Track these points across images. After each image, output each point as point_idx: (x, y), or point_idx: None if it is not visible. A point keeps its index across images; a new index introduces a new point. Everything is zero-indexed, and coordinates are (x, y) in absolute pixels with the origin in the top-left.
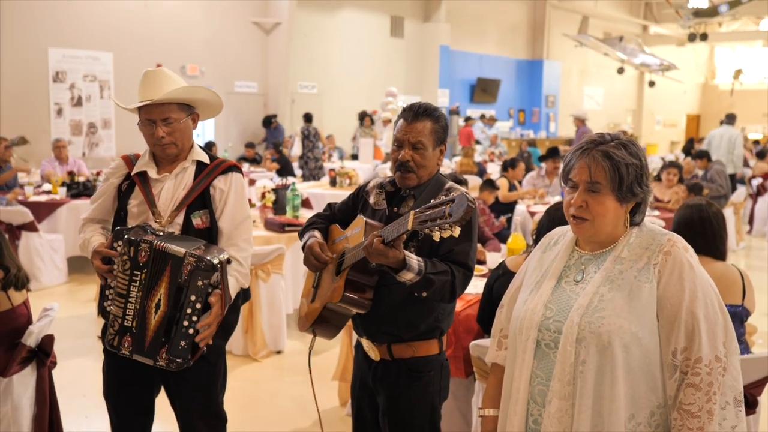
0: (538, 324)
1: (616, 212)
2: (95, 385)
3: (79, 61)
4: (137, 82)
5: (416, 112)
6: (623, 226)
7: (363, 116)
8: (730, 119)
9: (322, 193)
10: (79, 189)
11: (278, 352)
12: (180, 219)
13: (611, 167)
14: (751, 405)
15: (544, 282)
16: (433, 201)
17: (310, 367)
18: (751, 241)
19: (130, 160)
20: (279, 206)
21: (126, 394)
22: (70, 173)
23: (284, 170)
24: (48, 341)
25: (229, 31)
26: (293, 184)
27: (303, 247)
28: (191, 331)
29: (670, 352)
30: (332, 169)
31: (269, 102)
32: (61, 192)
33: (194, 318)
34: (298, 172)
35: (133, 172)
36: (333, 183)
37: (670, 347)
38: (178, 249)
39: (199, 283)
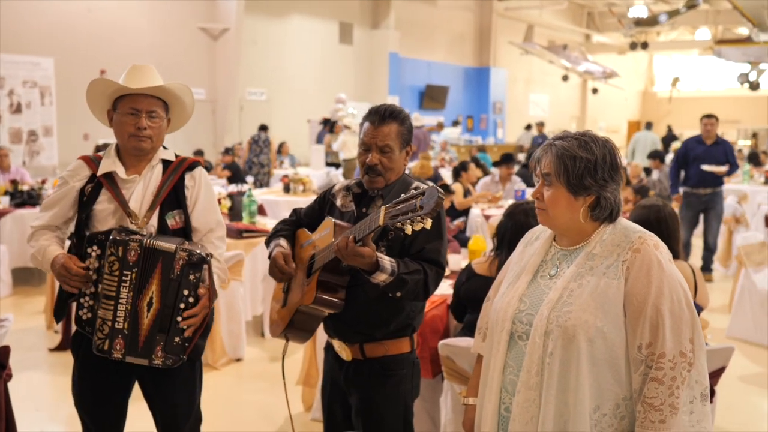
0: (512, 316)
1: (570, 204)
2: (48, 398)
3: (19, 67)
4: (80, 87)
5: (383, 115)
6: (585, 220)
7: (329, 123)
8: (649, 126)
9: (276, 200)
10: (23, 198)
11: (238, 360)
12: (154, 220)
13: (557, 159)
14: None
15: (521, 276)
16: (403, 195)
17: (283, 373)
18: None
19: (92, 162)
20: (235, 212)
21: (103, 402)
22: (13, 182)
23: (235, 177)
24: (4, 353)
25: (176, 37)
26: (249, 190)
27: (270, 257)
28: (187, 331)
29: (636, 346)
30: (286, 176)
31: (218, 109)
32: (4, 201)
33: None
34: (250, 179)
35: (99, 173)
36: (287, 189)
37: (635, 342)
38: (169, 245)
39: (191, 277)
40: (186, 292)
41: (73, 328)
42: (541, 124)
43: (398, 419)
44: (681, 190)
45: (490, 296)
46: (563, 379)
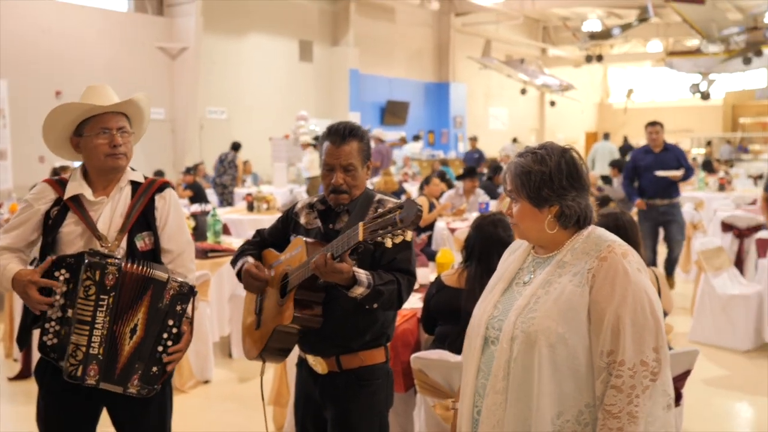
0: (486, 322)
1: (535, 216)
2: (7, 429)
3: None
4: (35, 109)
5: (343, 135)
6: (553, 230)
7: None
8: (606, 136)
9: (240, 219)
10: None
11: (206, 382)
12: (124, 243)
13: (513, 176)
14: (676, 399)
15: (498, 283)
16: (380, 211)
17: (262, 394)
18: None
19: (58, 184)
20: (199, 232)
21: (71, 430)
22: None
23: (198, 197)
24: None
25: (134, 57)
26: (213, 209)
27: (238, 275)
28: (164, 357)
29: (598, 353)
30: (249, 194)
31: (177, 128)
32: None
33: (169, 343)
34: (214, 198)
35: (65, 196)
36: (250, 208)
37: (598, 349)
38: (162, 273)
39: (178, 308)
40: (171, 323)
41: (36, 354)
42: (474, 139)
43: (374, 428)
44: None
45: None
46: (525, 384)
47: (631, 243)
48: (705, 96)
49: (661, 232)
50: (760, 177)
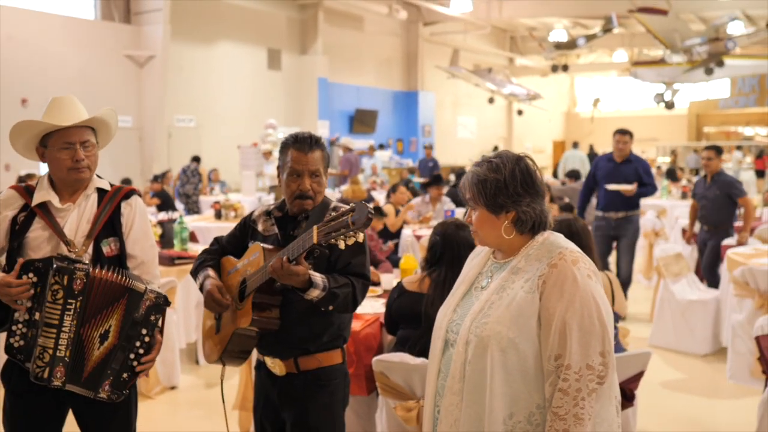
0: (446, 325)
1: (492, 222)
2: None
3: None
4: (1, 117)
5: (310, 143)
6: (510, 235)
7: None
8: (575, 145)
9: (207, 227)
10: None
11: (172, 388)
12: (90, 248)
13: (471, 184)
14: (629, 399)
15: (459, 287)
16: (333, 214)
17: (223, 398)
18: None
19: (25, 191)
20: (167, 240)
21: (37, 430)
22: None
23: (165, 205)
24: None
25: (101, 65)
26: (180, 217)
27: (200, 288)
28: (135, 363)
29: (547, 357)
30: (217, 202)
31: (145, 136)
32: None
33: (140, 351)
34: (180, 206)
35: (33, 203)
36: (218, 216)
37: (546, 353)
38: (140, 285)
39: (152, 317)
40: (144, 332)
41: (3, 357)
42: (429, 147)
43: (332, 428)
44: (596, 213)
45: None
46: (479, 386)
47: (584, 247)
48: (669, 105)
49: (615, 246)
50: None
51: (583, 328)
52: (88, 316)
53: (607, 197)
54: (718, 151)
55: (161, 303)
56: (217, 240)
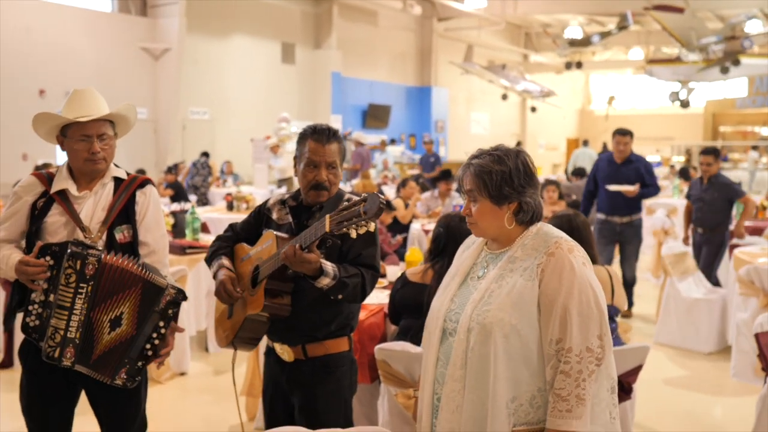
0: (444, 315)
1: (495, 213)
2: None
3: None
4: (19, 108)
5: (328, 135)
6: (511, 225)
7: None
8: (586, 143)
9: (219, 218)
10: None
11: (182, 374)
12: (104, 234)
13: (476, 176)
14: (627, 392)
15: (454, 278)
16: (345, 204)
17: (234, 381)
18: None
19: (45, 178)
20: (179, 229)
21: (49, 408)
22: None
23: (178, 196)
24: None
25: (117, 57)
26: (192, 207)
27: (214, 277)
28: (150, 354)
29: (548, 341)
30: (229, 194)
31: (160, 128)
32: None
33: (156, 342)
34: (193, 197)
35: (52, 191)
36: (230, 207)
37: (547, 337)
38: (161, 280)
39: (170, 311)
40: (162, 324)
41: (17, 344)
42: (430, 142)
43: (339, 414)
44: (598, 216)
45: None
46: (482, 372)
47: (585, 242)
48: (684, 104)
49: (618, 251)
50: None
51: (582, 313)
52: (99, 300)
53: (610, 199)
54: (716, 155)
55: (179, 300)
56: (231, 227)
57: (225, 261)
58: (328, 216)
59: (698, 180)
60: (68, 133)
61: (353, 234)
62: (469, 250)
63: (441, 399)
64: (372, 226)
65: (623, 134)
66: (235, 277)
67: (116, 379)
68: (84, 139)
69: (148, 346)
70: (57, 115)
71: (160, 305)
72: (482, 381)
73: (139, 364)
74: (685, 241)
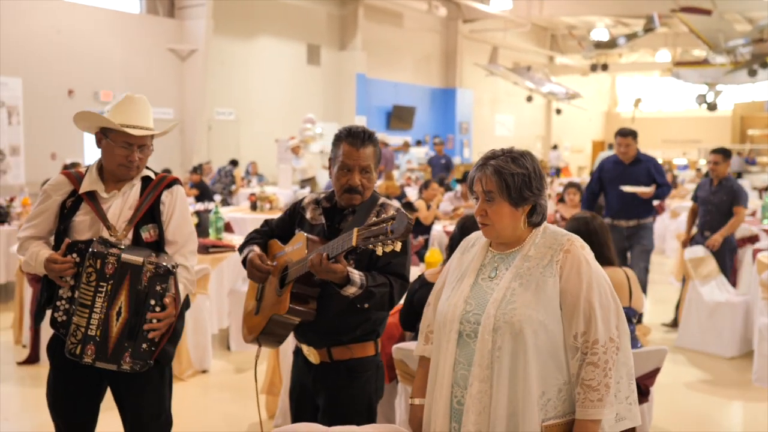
0: (459, 317)
1: (513, 215)
2: (16, 409)
3: None
4: (48, 107)
5: (363, 138)
6: (523, 226)
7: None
8: (610, 147)
9: (243, 218)
10: None
11: (204, 372)
12: (130, 233)
13: (497, 177)
14: (644, 394)
15: (463, 280)
16: (374, 219)
17: (256, 377)
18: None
19: (75, 178)
20: (202, 229)
21: (75, 402)
22: None
23: (203, 196)
24: None
25: (144, 58)
26: (216, 207)
27: (243, 263)
28: (151, 334)
29: (572, 335)
30: (253, 194)
31: (186, 128)
32: None
33: (153, 321)
34: (218, 197)
35: (81, 191)
36: (254, 207)
37: (571, 331)
38: (136, 258)
39: (158, 287)
40: (153, 302)
41: (43, 340)
42: (440, 144)
43: (363, 419)
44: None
45: (430, 302)
46: (513, 369)
47: (603, 244)
48: (712, 107)
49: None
50: (766, 189)
51: (603, 306)
52: (114, 297)
53: (619, 202)
54: (726, 155)
55: (161, 273)
56: (267, 222)
57: (255, 248)
58: (356, 230)
59: (707, 181)
60: (111, 135)
61: (379, 251)
62: (470, 252)
63: (465, 402)
64: (398, 246)
65: (624, 135)
66: (264, 254)
67: (122, 365)
68: (125, 147)
69: (145, 326)
70: (104, 118)
71: (143, 283)
72: (513, 379)
73: (144, 346)
74: (685, 244)
